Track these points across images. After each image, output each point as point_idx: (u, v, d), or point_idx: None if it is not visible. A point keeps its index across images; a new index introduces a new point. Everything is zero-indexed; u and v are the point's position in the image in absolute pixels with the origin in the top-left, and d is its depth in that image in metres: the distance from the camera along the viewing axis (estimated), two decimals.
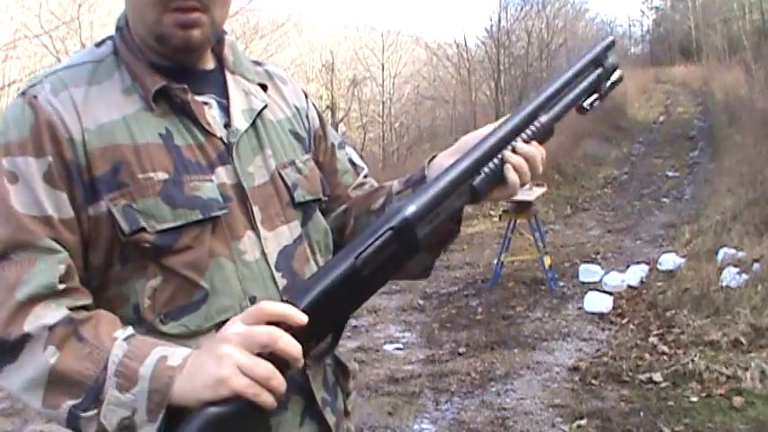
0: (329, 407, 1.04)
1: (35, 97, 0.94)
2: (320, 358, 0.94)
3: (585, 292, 5.98)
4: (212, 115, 1.01)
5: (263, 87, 1.10)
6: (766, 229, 6.55)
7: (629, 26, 48.18)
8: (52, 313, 0.85)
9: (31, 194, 0.89)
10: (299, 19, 20.42)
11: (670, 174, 13.22)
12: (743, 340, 4.30)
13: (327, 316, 0.86)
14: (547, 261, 6.49)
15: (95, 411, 0.82)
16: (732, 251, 6.01)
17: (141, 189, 0.91)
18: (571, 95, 1.05)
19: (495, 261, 6.84)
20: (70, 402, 0.82)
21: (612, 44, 1.09)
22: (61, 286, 0.87)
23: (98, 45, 1.03)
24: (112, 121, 0.94)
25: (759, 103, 12.88)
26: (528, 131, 1.01)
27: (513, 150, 1.00)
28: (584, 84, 1.06)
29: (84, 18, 15.80)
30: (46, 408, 0.83)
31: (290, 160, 1.07)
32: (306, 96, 1.19)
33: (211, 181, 0.96)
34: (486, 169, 0.97)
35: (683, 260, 6.33)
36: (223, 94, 1.04)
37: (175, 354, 0.84)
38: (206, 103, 1.01)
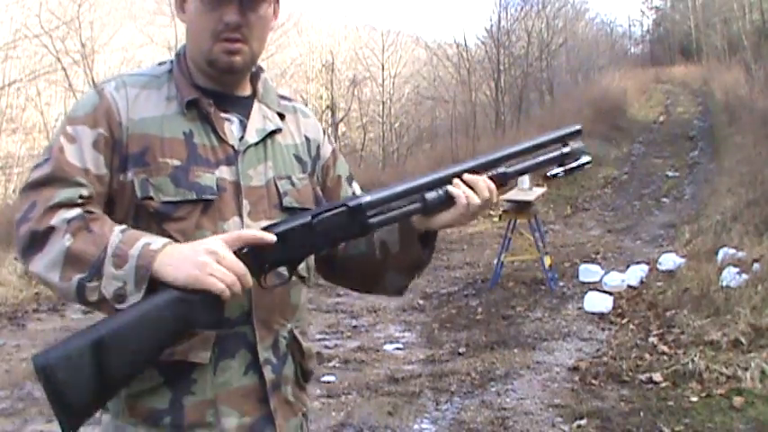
0: (270, 366, 1.28)
1: (102, 89, 1.27)
2: (277, 285, 1.23)
3: (585, 292, 5.98)
4: (231, 129, 1.30)
5: (281, 116, 1.38)
6: (766, 229, 6.55)
7: (629, 26, 48.18)
8: (71, 212, 1.15)
9: (80, 151, 1.21)
10: (298, 19, 20.39)
11: (670, 174, 13.21)
12: (743, 340, 4.30)
13: (283, 250, 1.17)
14: (547, 261, 6.48)
15: (97, 283, 1.11)
16: (732, 251, 6.00)
17: (158, 169, 1.22)
18: (532, 162, 1.25)
19: (495, 261, 6.84)
20: (79, 276, 1.12)
21: (578, 132, 1.28)
22: (80, 200, 1.18)
23: (160, 64, 1.35)
24: (151, 117, 1.25)
25: (759, 103, 12.88)
26: (485, 174, 1.21)
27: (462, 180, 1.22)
28: (547, 157, 1.25)
29: (84, 18, 15.79)
30: (61, 281, 1.12)
31: (287, 175, 1.34)
32: (324, 133, 1.47)
33: (212, 174, 1.25)
34: (440, 190, 1.19)
35: (683, 260, 6.33)
36: (247, 115, 1.33)
37: (157, 241, 1.14)
38: (228, 119, 1.31)
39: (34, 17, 15.35)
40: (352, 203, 1.17)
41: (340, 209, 1.18)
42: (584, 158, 1.24)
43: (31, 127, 18.60)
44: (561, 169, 1.25)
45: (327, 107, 19.30)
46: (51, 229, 1.13)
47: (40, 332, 5.88)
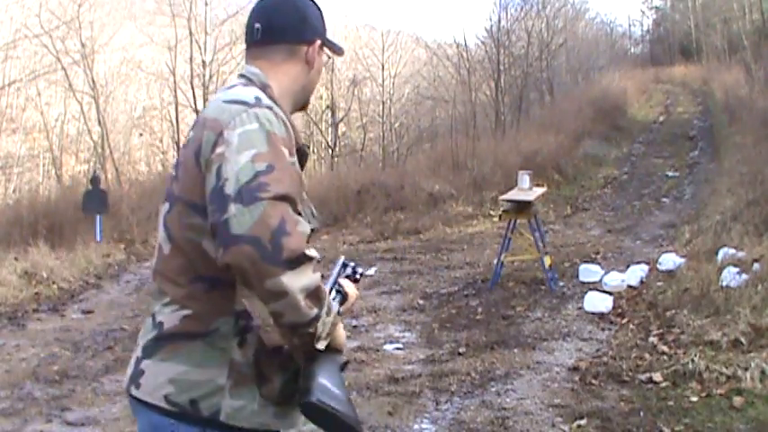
0: None
1: (283, 119, 1.41)
2: None
3: (585, 292, 5.98)
4: None
5: None
6: (766, 229, 6.55)
7: (629, 26, 48.05)
8: (314, 250, 1.33)
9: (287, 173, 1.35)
10: None
11: (670, 174, 13.20)
12: (743, 340, 4.30)
13: None
14: (547, 261, 6.48)
15: (319, 321, 1.33)
16: (732, 251, 6.00)
17: (302, 201, 1.42)
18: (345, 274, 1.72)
19: (495, 261, 6.83)
20: (317, 310, 1.32)
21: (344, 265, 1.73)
22: None
23: (245, 84, 1.48)
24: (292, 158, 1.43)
25: (759, 103, 12.89)
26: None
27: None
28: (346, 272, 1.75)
29: (84, 18, 15.77)
30: (305, 307, 1.30)
31: None
32: None
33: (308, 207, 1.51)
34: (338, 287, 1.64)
35: (682, 260, 6.33)
36: None
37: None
38: None
39: (34, 17, 15.35)
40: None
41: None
42: (361, 270, 1.77)
43: (31, 127, 18.59)
44: (356, 275, 1.76)
45: (327, 107, 19.30)
46: (311, 260, 1.30)
47: (40, 332, 5.88)
